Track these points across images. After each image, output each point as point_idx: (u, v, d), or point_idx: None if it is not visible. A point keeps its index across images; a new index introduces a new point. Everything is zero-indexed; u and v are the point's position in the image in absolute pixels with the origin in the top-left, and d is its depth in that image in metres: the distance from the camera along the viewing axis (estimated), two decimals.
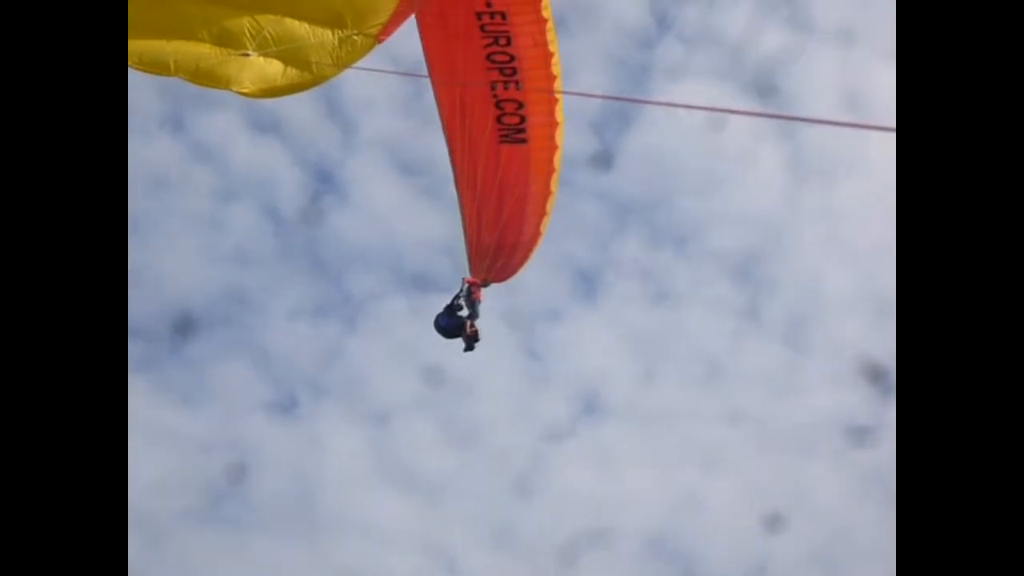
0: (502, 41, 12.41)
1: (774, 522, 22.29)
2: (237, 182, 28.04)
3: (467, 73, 12.54)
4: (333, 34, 11.49)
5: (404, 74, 13.66)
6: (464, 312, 12.37)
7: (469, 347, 12.28)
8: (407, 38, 12.35)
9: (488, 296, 12.55)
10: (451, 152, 13.01)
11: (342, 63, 11.63)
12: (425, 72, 12.58)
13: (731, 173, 29.91)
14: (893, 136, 5.72)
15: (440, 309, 12.39)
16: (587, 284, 29.86)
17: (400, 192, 28.53)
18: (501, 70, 12.57)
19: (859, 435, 28.06)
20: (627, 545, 27.04)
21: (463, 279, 12.53)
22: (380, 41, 11.81)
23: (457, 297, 12.42)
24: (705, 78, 29.97)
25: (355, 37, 11.51)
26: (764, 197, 30.19)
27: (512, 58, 12.51)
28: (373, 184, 28.15)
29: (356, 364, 28.14)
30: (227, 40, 11.27)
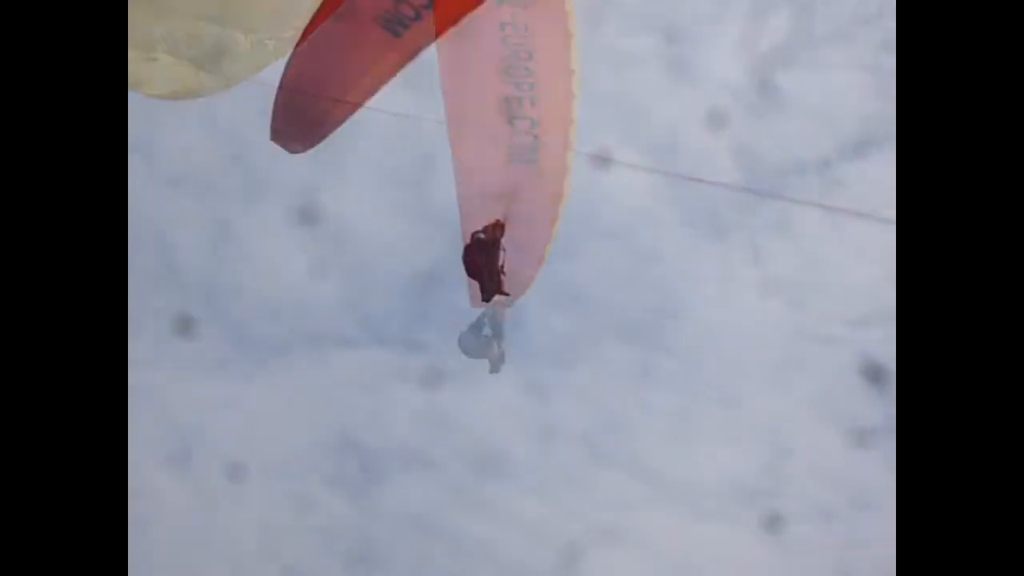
0: (522, 55, 11.92)
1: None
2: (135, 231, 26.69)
3: (482, 86, 11.99)
4: (246, 38, 11.15)
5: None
6: (489, 332, 11.74)
7: (495, 368, 11.68)
8: None
9: (390, 355, 12.03)
10: (457, 168, 12.37)
11: (254, 67, 11.39)
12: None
13: (628, 228, 30.14)
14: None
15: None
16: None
17: (303, 245, 27.70)
18: (518, 85, 12.06)
19: (755, 493, 28.45)
20: None
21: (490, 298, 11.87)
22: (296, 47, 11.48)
23: (482, 317, 11.78)
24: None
25: (267, 42, 11.18)
26: (661, 252, 30.54)
27: (530, 73, 12.03)
28: (274, 237, 27.23)
29: (254, 419, 27.01)
30: (137, 43, 10.73)
